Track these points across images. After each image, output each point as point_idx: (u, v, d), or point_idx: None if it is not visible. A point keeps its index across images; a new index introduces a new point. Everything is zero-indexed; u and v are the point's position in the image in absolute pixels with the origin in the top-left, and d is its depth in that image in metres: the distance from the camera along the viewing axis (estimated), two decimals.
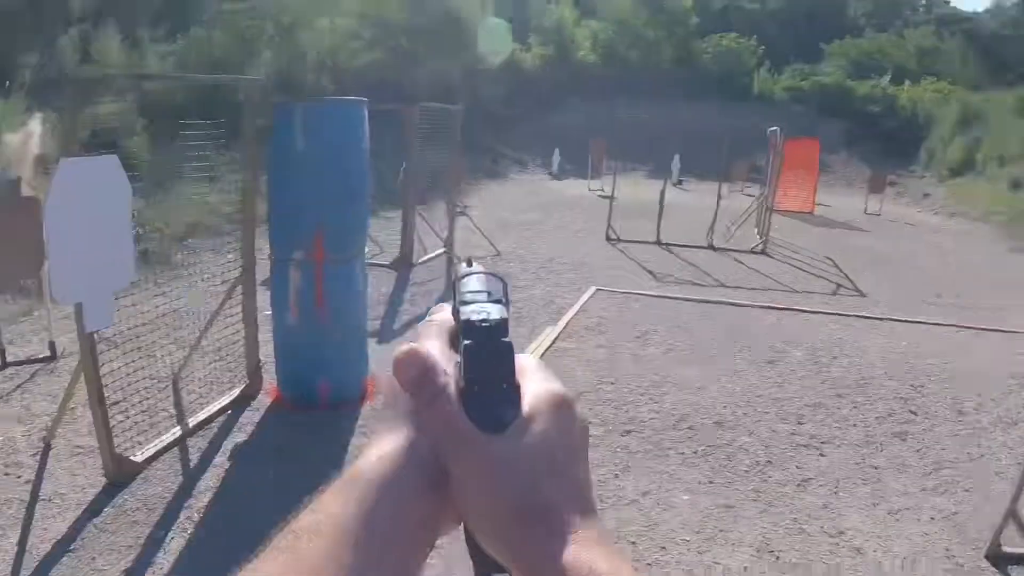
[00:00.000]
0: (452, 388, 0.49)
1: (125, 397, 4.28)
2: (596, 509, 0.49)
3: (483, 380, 0.49)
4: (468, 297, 0.53)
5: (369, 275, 5.47)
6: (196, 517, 3.59)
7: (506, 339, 0.50)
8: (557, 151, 20.51)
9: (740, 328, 6.90)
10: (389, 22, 19.67)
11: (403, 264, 8.86)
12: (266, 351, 5.11)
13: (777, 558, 3.45)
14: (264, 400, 4.93)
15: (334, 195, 4.68)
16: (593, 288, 8.09)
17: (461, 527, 0.50)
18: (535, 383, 0.50)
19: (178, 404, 4.78)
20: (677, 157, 19.40)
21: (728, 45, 25.95)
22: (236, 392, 4.95)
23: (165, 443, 4.25)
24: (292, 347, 4.92)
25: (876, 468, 4.36)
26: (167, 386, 4.88)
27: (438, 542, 0.50)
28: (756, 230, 12.14)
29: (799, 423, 4.92)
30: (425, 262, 9.11)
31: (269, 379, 5.08)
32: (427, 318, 0.56)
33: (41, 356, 5.54)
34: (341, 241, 4.79)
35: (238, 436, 4.47)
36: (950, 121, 21.35)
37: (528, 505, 0.46)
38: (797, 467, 4.34)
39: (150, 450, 4.15)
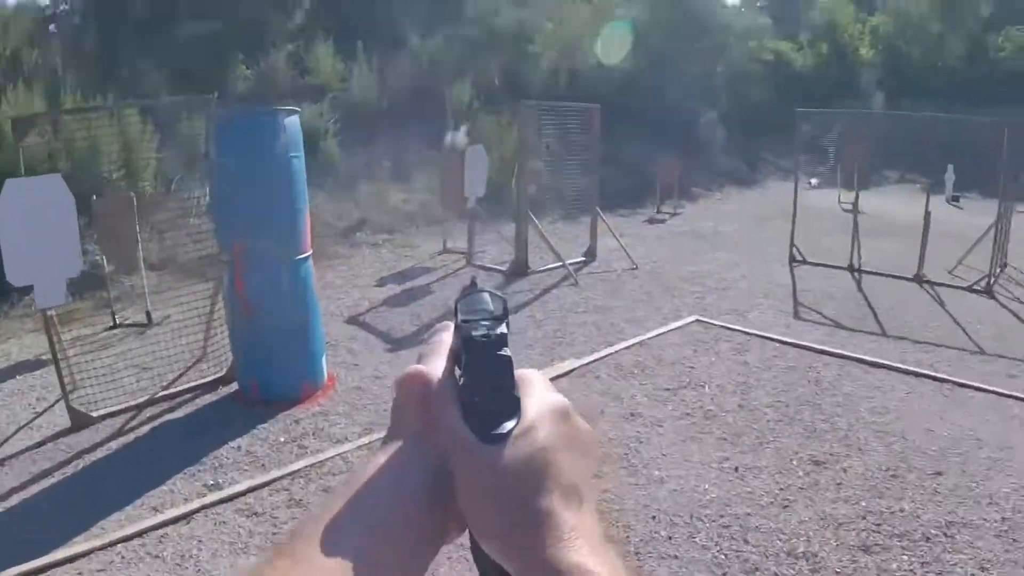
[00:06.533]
0: (454, 401, 0.52)
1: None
2: (597, 515, 0.51)
3: (483, 392, 0.51)
4: (469, 316, 0.55)
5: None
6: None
7: (504, 352, 0.52)
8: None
9: (835, 407, 5.01)
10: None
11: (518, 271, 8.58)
12: None
13: None
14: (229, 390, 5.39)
15: (249, 201, 4.82)
16: (692, 317, 6.85)
17: (468, 534, 0.52)
18: (536, 395, 0.53)
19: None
20: (951, 168, 15.95)
21: None
22: (210, 378, 5.48)
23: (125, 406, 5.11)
24: (235, 342, 5.31)
25: None
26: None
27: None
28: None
29: None
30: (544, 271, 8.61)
31: None
32: (432, 338, 0.59)
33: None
34: (260, 244, 4.89)
35: (178, 413, 5.09)
36: None
37: (525, 510, 0.48)
38: None
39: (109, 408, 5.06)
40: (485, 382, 0.51)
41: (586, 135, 9.33)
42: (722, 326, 6.64)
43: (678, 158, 13.81)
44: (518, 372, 0.53)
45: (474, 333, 0.53)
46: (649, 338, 6.25)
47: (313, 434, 4.56)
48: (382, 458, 0.52)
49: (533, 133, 8.98)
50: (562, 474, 0.50)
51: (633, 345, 6.08)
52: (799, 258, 9.63)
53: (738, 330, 6.53)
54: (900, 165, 17.50)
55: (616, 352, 5.92)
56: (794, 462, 4.21)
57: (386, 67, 13.96)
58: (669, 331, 6.47)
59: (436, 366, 0.55)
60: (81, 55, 11.93)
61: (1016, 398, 5.16)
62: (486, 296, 0.58)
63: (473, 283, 0.61)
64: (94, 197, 7.25)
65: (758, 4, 23.12)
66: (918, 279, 8.75)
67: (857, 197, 9.69)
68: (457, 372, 0.54)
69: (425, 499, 0.50)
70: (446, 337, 0.58)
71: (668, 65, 18.02)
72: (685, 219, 13.03)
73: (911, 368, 5.70)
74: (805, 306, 7.54)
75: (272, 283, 4.92)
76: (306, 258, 5.12)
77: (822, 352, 6.03)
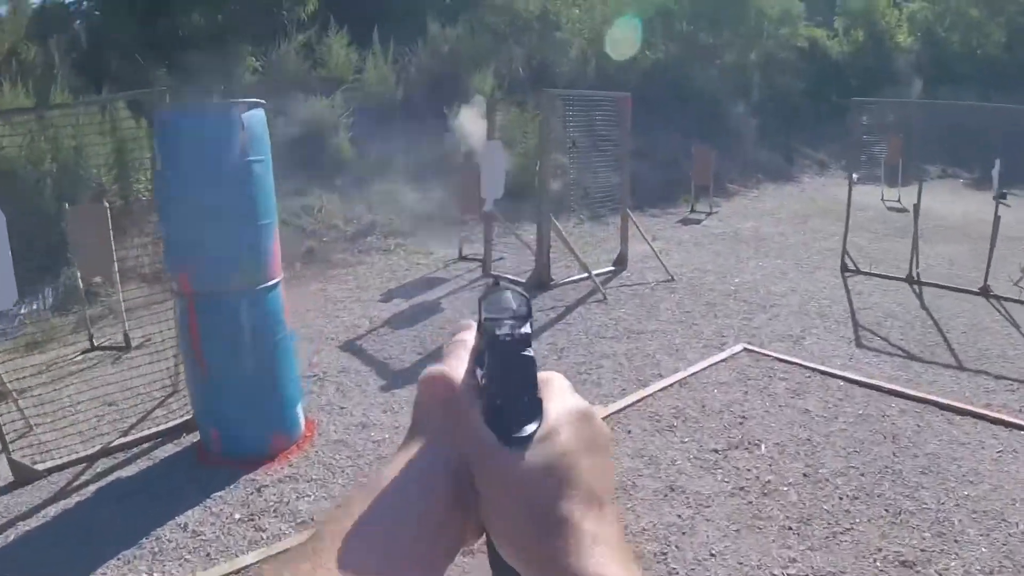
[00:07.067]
0: (476, 403, 0.50)
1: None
2: (617, 521, 0.50)
3: (505, 393, 0.50)
4: (493, 315, 0.53)
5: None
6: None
7: (528, 353, 0.50)
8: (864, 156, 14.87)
9: (919, 474, 4.10)
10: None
11: (539, 283, 7.65)
12: None
13: None
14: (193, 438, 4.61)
15: (198, 218, 4.00)
16: (740, 345, 5.92)
17: (484, 538, 0.51)
18: (558, 398, 0.52)
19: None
20: (998, 163, 14.45)
21: None
22: (174, 423, 4.72)
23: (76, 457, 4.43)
24: (191, 388, 4.51)
25: None
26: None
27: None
28: None
29: None
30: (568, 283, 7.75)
31: None
32: (454, 338, 0.58)
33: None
34: (212, 272, 4.05)
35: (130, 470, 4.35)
36: None
37: (546, 516, 0.47)
38: None
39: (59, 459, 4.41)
40: (508, 383, 0.50)
41: (615, 127, 8.41)
42: (776, 357, 5.67)
43: (712, 148, 12.86)
44: (540, 374, 0.51)
45: (498, 332, 0.51)
46: (690, 375, 5.33)
47: (275, 510, 3.71)
48: (403, 459, 0.50)
49: (557, 124, 8.11)
50: (584, 479, 0.48)
51: (672, 385, 5.17)
52: (852, 267, 8.63)
53: (795, 363, 5.56)
54: (941, 159, 16.42)
55: (651, 395, 5.01)
56: (878, 563, 3.26)
57: (403, 57, 13.15)
58: (713, 364, 5.54)
59: (458, 366, 0.54)
60: (80, 50, 11.31)
61: None
62: (509, 295, 0.55)
63: (496, 282, 0.58)
64: (66, 205, 6.67)
65: None
66: (984, 292, 7.70)
67: (919, 198, 8.62)
68: (479, 372, 0.53)
69: (448, 503, 0.48)
70: (467, 336, 0.57)
71: (700, 52, 17.15)
72: (721, 219, 12.03)
73: (1002, 416, 4.71)
74: (866, 329, 6.54)
75: (229, 320, 4.04)
76: (274, 286, 4.21)
77: (895, 393, 5.06)
